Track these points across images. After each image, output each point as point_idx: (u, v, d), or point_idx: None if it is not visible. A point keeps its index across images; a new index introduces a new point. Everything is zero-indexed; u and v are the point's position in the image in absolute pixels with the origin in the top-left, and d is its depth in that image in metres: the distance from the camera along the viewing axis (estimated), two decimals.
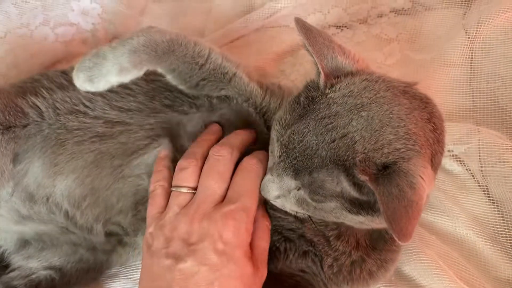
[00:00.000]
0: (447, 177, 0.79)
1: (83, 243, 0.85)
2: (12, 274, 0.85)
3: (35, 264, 0.85)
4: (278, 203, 0.64)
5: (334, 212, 0.59)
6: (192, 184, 0.66)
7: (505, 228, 0.75)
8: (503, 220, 0.75)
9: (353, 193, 0.56)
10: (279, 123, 0.62)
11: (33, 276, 0.85)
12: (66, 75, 0.81)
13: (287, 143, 0.59)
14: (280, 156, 0.60)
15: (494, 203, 0.77)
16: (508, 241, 0.74)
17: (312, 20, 0.94)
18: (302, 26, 0.62)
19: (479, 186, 0.78)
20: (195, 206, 0.63)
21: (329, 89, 0.59)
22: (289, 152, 0.58)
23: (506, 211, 0.75)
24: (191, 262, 0.59)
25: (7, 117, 0.75)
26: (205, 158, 0.67)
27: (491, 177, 0.76)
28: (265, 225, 0.66)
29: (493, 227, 0.76)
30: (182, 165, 0.67)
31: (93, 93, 0.76)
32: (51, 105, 0.77)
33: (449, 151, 0.80)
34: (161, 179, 0.69)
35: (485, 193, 0.78)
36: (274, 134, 0.62)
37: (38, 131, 0.77)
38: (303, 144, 0.57)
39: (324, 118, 0.57)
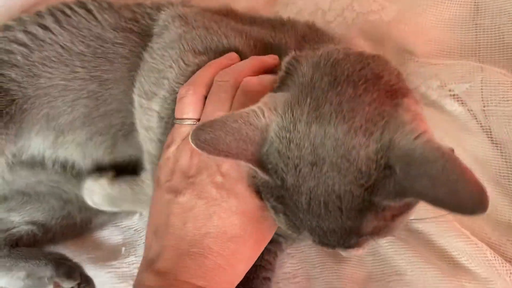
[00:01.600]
0: (449, 118, 0.75)
1: (74, 199, 0.83)
2: None
3: (16, 218, 0.83)
4: None
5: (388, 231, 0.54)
6: (192, 115, 0.61)
7: (507, 171, 0.71)
8: (506, 162, 0.72)
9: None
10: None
11: (14, 230, 0.84)
12: (42, 17, 0.77)
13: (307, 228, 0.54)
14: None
15: (496, 145, 0.73)
16: (511, 183, 0.70)
17: None
18: None
19: (481, 127, 0.74)
20: None
21: None
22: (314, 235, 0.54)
23: (509, 152, 0.71)
24: (188, 196, 0.56)
25: None
26: (209, 85, 0.62)
27: (494, 117, 0.72)
28: None
29: (495, 169, 0.72)
30: (180, 94, 0.63)
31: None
32: (27, 72, 0.74)
33: (450, 90, 0.75)
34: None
35: (487, 135, 0.73)
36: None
37: (25, 100, 0.74)
38: (319, 228, 0.52)
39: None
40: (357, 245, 0.53)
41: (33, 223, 0.84)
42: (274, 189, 0.53)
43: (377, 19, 0.84)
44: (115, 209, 0.81)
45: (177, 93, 0.64)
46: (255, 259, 0.59)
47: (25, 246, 0.84)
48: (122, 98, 0.74)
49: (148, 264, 0.56)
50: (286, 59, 0.60)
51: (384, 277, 0.71)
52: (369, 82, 0.52)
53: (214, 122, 0.51)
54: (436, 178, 0.44)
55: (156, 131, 0.68)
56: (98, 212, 0.84)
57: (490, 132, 0.73)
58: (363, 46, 0.81)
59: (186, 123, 0.61)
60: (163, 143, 0.65)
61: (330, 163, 0.49)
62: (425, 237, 0.70)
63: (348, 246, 0.53)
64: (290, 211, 0.53)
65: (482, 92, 0.73)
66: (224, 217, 0.56)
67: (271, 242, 0.67)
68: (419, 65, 0.79)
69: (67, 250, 0.85)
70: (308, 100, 0.51)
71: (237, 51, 0.67)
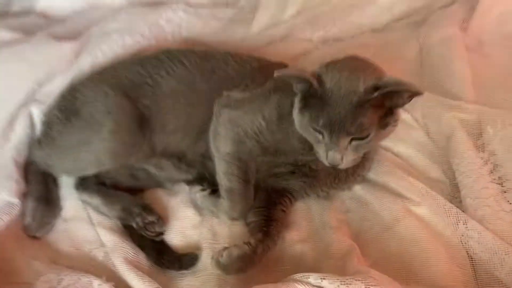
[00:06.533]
0: (402, 121, 1.19)
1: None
2: None
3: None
4: (342, 164, 0.96)
5: (376, 137, 0.95)
6: None
7: (437, 149, 1.16)
8: (435, 144, 1.17)
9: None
10: (310, 123, 0.95)
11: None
12: (159, 68, 1.22)
13: (330, 123, 0.92)
14: (330, 133, 0.93)
15: (430, 135, 1.19)
16: (438, 155, 1.14)
17: None
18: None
19: (420, 126, 1.20)
20: None
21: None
22: (333, 126, 0.92)
23: (437, 139, 1.17)
24: None
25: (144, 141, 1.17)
26: None
27: (428, 118, 1.19)
28: None
29: (430, 148, 1.17)
30: None
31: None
32: (153, 100, 1.17)
33: None
34: None
35: (424, 130, 1.20)
36: (313, 133, 0.96)
37: (150, 114, 1.17)
38: (340, 116, 0.92)
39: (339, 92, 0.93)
40: (348, 134, 0.92)
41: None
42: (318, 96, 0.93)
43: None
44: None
45: None
46: None
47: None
48: (202, 117, 1.16)
49: None
50: None
51: (358, 209, 1.11)
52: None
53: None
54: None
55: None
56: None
57: (427, 128, 1.19)
58: None
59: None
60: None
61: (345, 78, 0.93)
62: (381, 183, 1.12)
63: (346, 132, 0.92)
64: (321, 109, 0.93)
65: (421, 106, 1.20)
66: None
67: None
68: None
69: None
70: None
71: None
